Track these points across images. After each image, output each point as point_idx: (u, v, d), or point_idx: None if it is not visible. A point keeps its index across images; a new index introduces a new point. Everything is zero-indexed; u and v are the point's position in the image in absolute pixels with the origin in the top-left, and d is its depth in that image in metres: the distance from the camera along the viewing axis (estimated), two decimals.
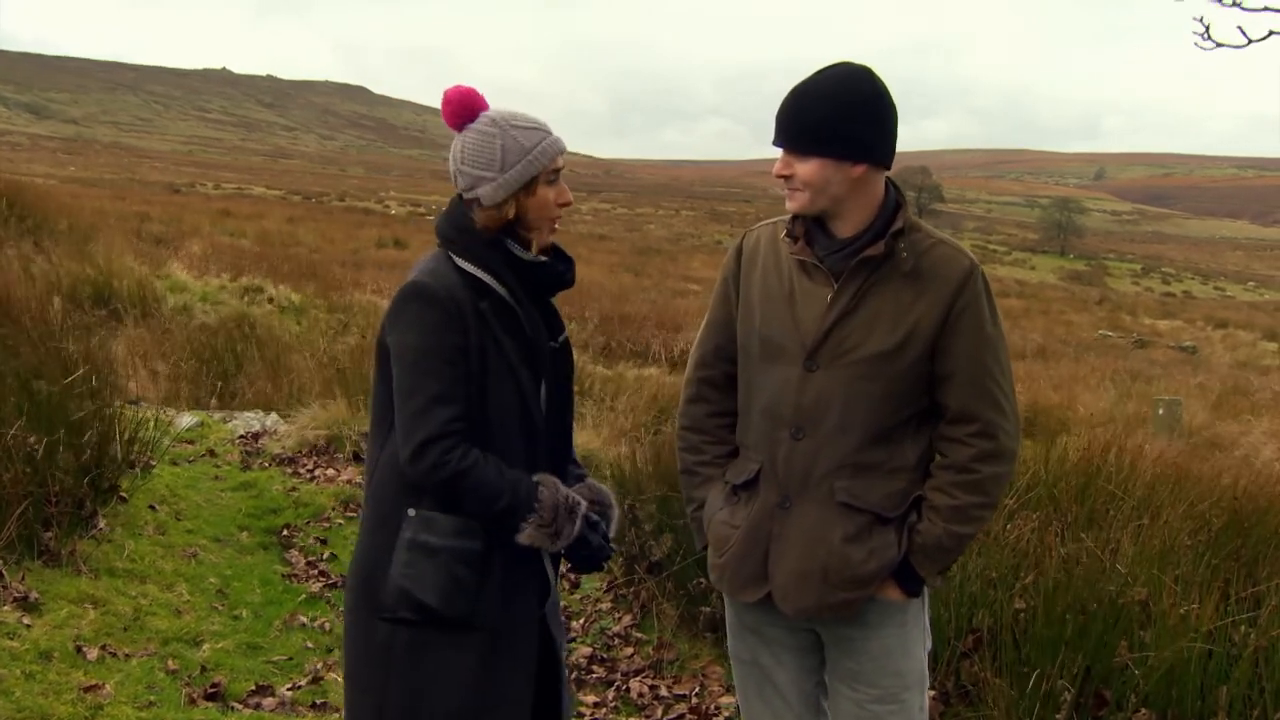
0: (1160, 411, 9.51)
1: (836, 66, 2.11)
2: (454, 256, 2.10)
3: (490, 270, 2.09)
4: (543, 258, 2.16)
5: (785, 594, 2.17)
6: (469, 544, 2.06)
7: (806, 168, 2.08)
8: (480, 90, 2.17)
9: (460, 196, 2.14)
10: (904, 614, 2.18)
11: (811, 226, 2.15)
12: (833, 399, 2.10)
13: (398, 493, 2.09)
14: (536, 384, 2.15)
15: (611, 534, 2.23)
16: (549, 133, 2.13)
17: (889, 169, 2.14)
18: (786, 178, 2.11)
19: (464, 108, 2.13)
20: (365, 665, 2.12)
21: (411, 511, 2.06)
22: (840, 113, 2.05)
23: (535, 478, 2.07)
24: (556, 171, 2.14)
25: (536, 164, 2.09)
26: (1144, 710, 3.06)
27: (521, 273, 2.12)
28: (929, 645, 2.28)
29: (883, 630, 2.17)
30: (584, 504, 2.12)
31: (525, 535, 2.04)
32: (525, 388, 2.11)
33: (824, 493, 2.13)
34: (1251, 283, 66.97)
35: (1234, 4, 3.47)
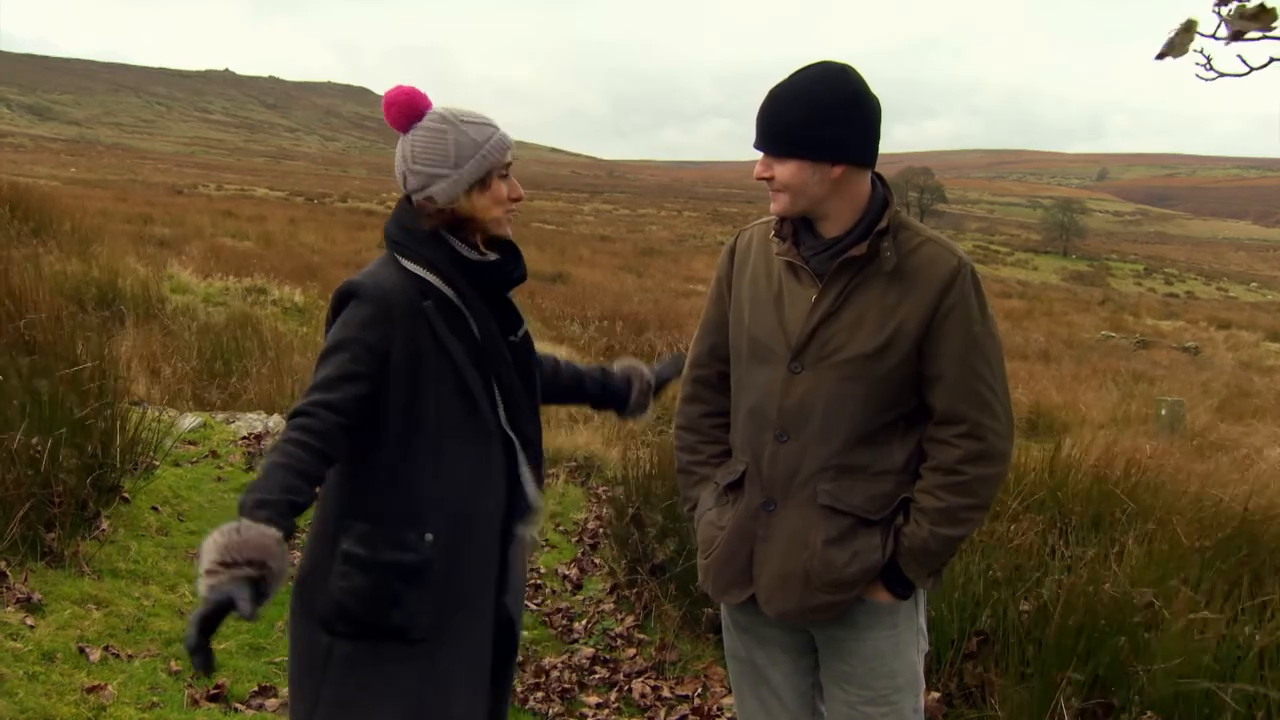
0: (1163, 412, 9.50)
1: (813, 66, 2.08)
2: (400, 258, 2.07)
3: (435, 270, 2.06)
4: (492, 256, 2.13)
5: (768, 596, 2.17)
6: (404, 557, 2.00)
7: (785, 169, 2.06)
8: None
9: (408, 199, 2.11)
10: (894, 616, 2.16)
11: (799, 226, 2.14)
12: (817, 401, 2.09)
13: (338, 504, 2.06)
14: (487, 384, 2.10)
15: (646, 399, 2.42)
16: (497, 127, 2.11)
17: (871, 168, 2.11)
18: (768, 180, 2.10)
19: (411, 108, 2.08)
20: (303, 671, 2.10)
21: (349, 523, 2.02)
22: (816, 114, 2.02)
23: (244, 520, 1.78)
24: (507, 166, 2.12)
25: (489, 159, 2.07)
26: (1149, 713, 3.05)
27: (469, 272, 2.09)
28: (926, 647, 2.26)
29: (873, 632, 2.16)
30: (221, 572, 1.72)
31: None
32: (472, 387, 2.07)
33: (807, 495, 2.12)
34: (1254, 283, 66.90)
35: (1232, 38, 3.48)
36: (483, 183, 2.08)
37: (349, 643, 2.03)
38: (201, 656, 1.70)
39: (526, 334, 2.24)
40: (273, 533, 1.79)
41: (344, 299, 2.03)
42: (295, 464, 1.85)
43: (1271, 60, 3.79)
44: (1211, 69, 4.01)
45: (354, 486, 2.04)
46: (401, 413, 2.02)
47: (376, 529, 2.01)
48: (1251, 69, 3.77)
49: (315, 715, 2.07)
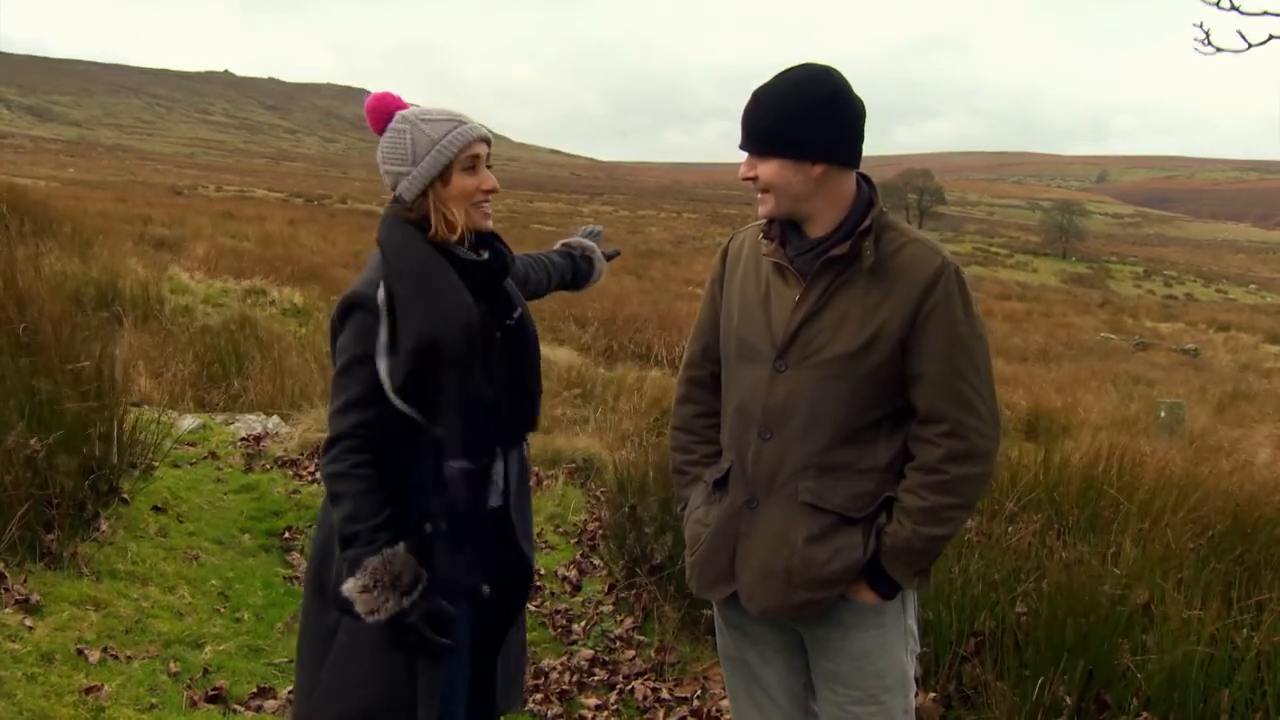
0: (1162, 414, 9.49)
1: (796, 68, 2.12)
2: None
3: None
4: (484, 255, 2.21)
5: (750, 593, 2.19)
6: (409, 544, 2.11)
7: (767, 169, 2.10)
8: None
9: (396, 199, 2.19)
10: (881, 616, 2.17)
11: (786, 228, 2.17)
12: (800, 399, 2.11)
13: None
14: (478, 368, 2.18)
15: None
16: (462, 123, 2.17)
17: (854, 168, 2.14)
18: (753, 180, 2.13)
19: (382, 112, 2.19)
20: (310, 645, 2.23)
21: None
22: (796, 113, 2.06)
23: (396, 548, 2.06)
24: (475, 159, 2.17)
25: (446, 153, 2.14)
26: (1146, 714, 3.05)
27: (460, 269, 2.17)
28: (916, 648, 2.27)
29: (859, 631, 2.17)
30: (415, 593, 2.06)
31: (347, 587, 2.05)
32: (461, 373, 2.15)
33: (789, 493, 2.14)
34: (1253, 285, 66.93)
35: (1232, 8, 3.48)
36: (442, 177, 2.14)
37: (355, 622, 2.13)
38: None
39: (522, 316, 2.31)
40: (402, 549, 2.06)
41: (348, 311, 2.12)
42: (373, 485, 2.06)
43: (1271, 37, 3.80)
44: (1210, 44, 4.03)
45: None
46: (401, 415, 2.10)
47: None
48: (1250, 45, 3.78)
49: (316, 687, 2.19)
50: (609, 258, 2.88)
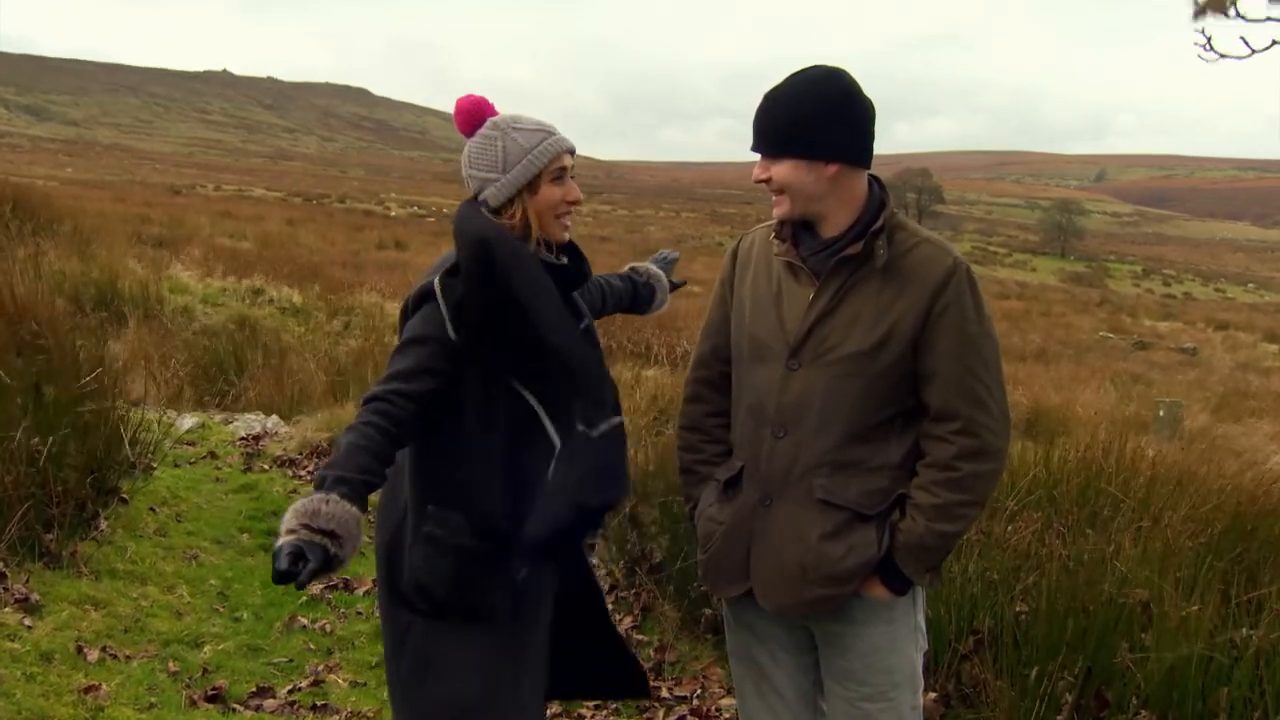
0: (1161, 413, 9.50)
1: (807, 70, 2.14)
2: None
3: None
4: (563, 259, 2.22)
5: (765, 590, 2.20)
6: (481, 544, 2.11)
7: (781, 169, 2.12)
8: (481, 90, 2.23)
9: (473, 200, 2.20)
10: (891, 612, 2.19)
11: (798, 228, 2.19)
12: (813, 397, 2.13)
13: (420, 488, 2.15)
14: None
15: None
16: (552, 133, 2.18)
17: (866, 168, 2.16)
18: (766, 181, 2.15)
19: (474, 115, 2.20)
20: (391, 644, 2.24)
21: (431, 507, 2.12)
22: (809, 113, 2.08)
23: (339, 500, 1.87)
24: (562, 170, 2.18)
25: (537, 163, 2.15)
26: (1145, 712, 3.05)
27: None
28: (924, 646, 2.29)
29: (870, 628, 2.19)
30: (301, 530, 1.83)
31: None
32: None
33: (803, 490, 2.15)
34: (1252, 284, 67.00)
35: (1237, 15, 3.49)
36: (531, 186, 2.15)
37: (428, 620, 2.14)
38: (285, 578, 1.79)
39: (589, 327, 2.33)
40: (355, 511, 1.88)
41: (421, 300, 2.15)
42: (369, 444, 1.97)
43: (1274, 43, 3.81)
44: (1212, 49, 4.04)
45: (438, 472, 2.14)
46: (477, 410, 2.12)
47: (456, 515, 2.11)
48: (1254, 51, 3.79)
49: (397, 687, 2.21)
50: (675, 286, 2.87)
